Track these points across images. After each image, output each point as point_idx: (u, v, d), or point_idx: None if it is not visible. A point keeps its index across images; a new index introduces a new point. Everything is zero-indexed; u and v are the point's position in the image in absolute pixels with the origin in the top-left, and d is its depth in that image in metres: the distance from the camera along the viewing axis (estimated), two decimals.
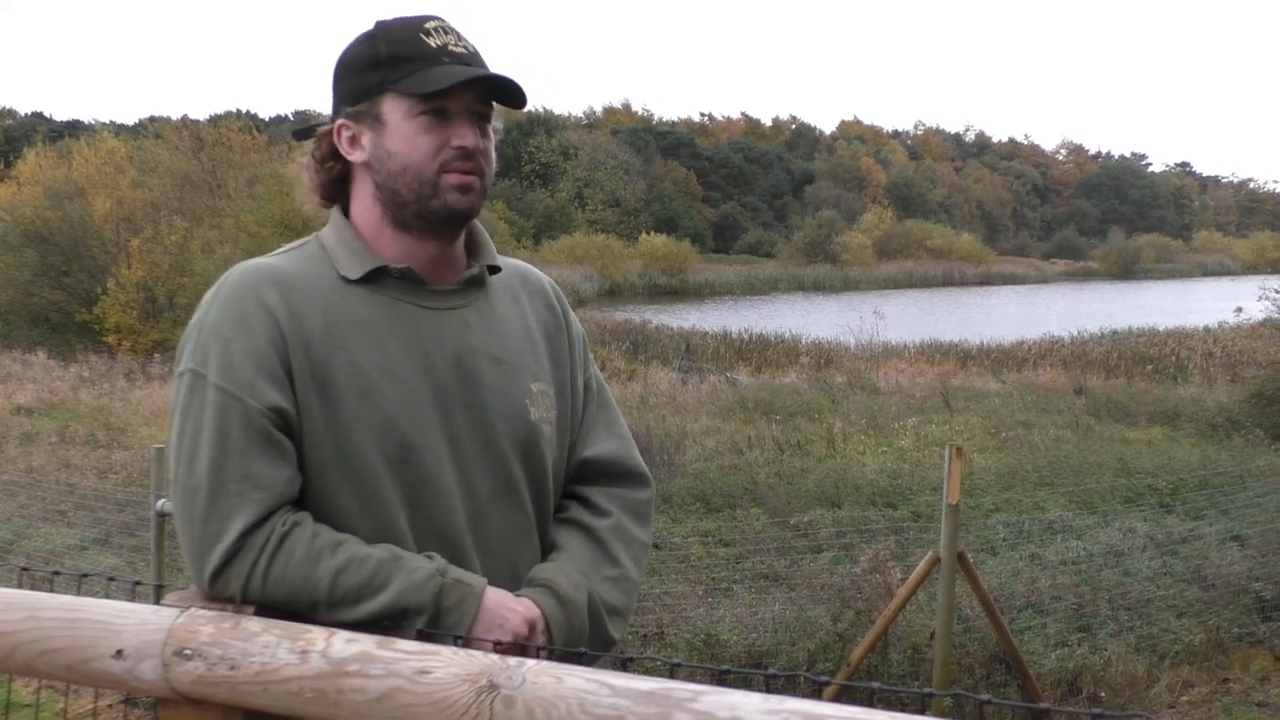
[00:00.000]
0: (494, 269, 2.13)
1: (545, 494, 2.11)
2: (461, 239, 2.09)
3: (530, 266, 2.27)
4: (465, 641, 1.77)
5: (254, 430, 1.83)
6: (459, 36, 2.00)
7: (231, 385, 1.84)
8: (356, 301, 1.96)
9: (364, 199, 2.04)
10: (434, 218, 1.98)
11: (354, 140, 2.01)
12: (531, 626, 1.88)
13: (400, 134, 1.96)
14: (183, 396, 1.89)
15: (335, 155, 2.04)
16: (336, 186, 2.08)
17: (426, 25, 1.98)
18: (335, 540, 1.83)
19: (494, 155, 2.05)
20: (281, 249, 2.08)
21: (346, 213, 2.07)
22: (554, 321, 2.20)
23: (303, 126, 2.11)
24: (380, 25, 2.01)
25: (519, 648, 1.82)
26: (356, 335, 1.92)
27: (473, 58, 1.99)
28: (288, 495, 1.85)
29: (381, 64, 1.96)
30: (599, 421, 2.22)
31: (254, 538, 1.80)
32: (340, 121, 2.02)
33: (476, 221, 2.11)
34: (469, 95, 1.97)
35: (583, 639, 1.98)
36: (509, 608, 1.87)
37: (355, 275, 1.97)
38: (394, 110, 1.96)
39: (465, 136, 1.96)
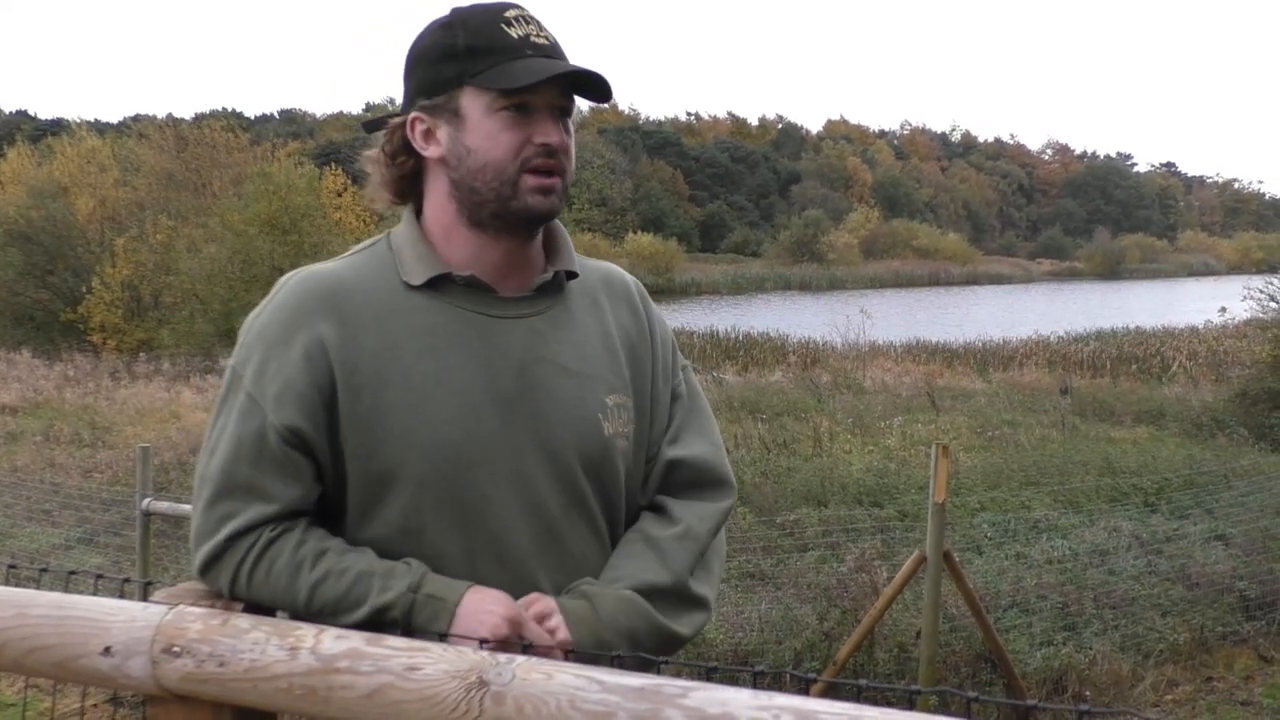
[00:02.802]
0: (572, 274, 2.02)
1: (618, 511, 2.01)
2: (539, 241, 2.00)
3: (615, 267, 2.17)
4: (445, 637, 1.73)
5: (268, 446, 1.81)
6: (540, 26, 1.90)
7: (259, 394, 1.82)
8: (417, 309, 1.88)
9: (438, 196, 1.95)
10: (512, 218, 1.90)
11: (429, 134, 1.92)
12: (517, 621, 1.75)
13: (481, 130, 1.87)
14: (223, 390, 1.89)
15: (408, 149, 1.94)
16: (408, 182, 1.98)
17: (507, 15, 1.88)
18: (317, 550, 1.80)
19: (574, 150, 1.94)
20: (351, 250, 2.01)
21: (420, 210, 1.99)
22: (637, 328, 2.09)
23: (374, 118, 2.00)
24: (457, 13, 1.90)
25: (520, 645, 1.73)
26: (413, 345, 1.86)
27: (554, 49, 1.90)
28: (287, 511, 1.82)
29: (460, 55, 1.86)
30: (690, 426, 2.11)
31: (241, 542, 1.80)
32: (414, 115, 1.92)
33: (557, 222, 2.02)
34: (552, 90, 1.87)
35: (623, 633, 1.85)
36: (486, 609, 1.75)
37: (418, 281, 1.89)
38: (474, 104, 1.87)
39: (549, 134, 1.87)
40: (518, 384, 1.89)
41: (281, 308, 1.87)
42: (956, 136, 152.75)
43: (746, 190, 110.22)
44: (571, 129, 1.93)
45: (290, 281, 1.91)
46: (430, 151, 1.92)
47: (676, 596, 1.95)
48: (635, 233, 75.67)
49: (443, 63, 1.88)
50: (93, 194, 29.02)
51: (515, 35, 1.87)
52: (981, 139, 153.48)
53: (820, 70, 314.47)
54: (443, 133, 1.90)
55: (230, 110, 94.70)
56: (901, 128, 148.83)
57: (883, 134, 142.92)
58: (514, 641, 1.73)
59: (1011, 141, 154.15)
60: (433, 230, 1.96)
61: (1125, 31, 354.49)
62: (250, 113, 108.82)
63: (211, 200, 31.12)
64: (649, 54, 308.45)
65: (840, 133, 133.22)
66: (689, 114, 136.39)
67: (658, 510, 2.04)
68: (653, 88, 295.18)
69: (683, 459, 2.06)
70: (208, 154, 33.82)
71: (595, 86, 1.89)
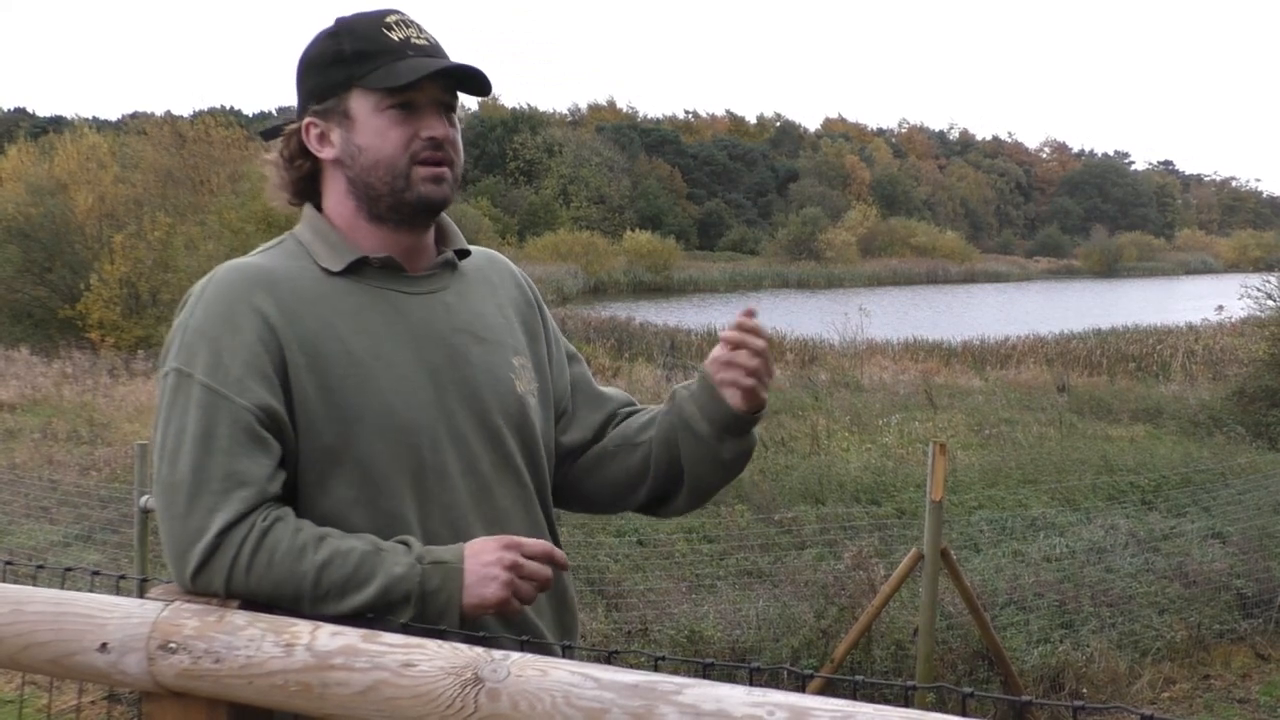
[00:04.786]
0: (463, 253, 2.17)
1: (540, 465, 2.14)
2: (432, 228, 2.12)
3: (494, 251, 2.33)
4: (446, 634, 1.75)
5: (240, 428, 1.83)
6: (420, 29, 2.02)
7: (219, 384, 1.84)
8: (342, 293, 1.97)
9: (336, 194, 2.05)
10: (409, 209, 2.00)
11: (323, 137, 2.02)
12: (514, 544, 1.87)
13: (370, 128, 1.98)
14: (167, 395, 1.89)
15: (304, 153, 2.05)
16: (307, 183, 2.09)
17: (388, 20, 2.00)
18: (318, 535, 1.82)
19: (461, 143, 2.07)
20: (258, 249, 2.09)
21: (319, 209, 2.08)
22: (523, 298, 2.25)
23: (269, 127, 2.11)
24: (341, 21, 2.02)
25: (512, 641, 1.77)
26: (347, 325, 1.94)
27: (434, 49, 2.01)
28: (270, 493, 1.84)
29: (347, 60, 1.97)
30: (597, 383, 2.35)
31: (234, 533, 1.79)
32: (308, 119, 2.02)
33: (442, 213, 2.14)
34: (435, 87, 1.99)
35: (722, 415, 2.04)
36: (486, 559, 1.85)
37: (337, 267, 1.99)
38: (362, 105, 1.98)
39: (434, 127, 1.98)
40: (443, 354, 2.02)
41: (216, 300, 1.92)
42: (954, 135, 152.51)
43: (744, 188, 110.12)
44: (457, 123, 2.05)
45: (215, 276, 1.97)
46: (325, 153, 2.04)
47: None
48: (633, 230, 75.40)
49: (331, 68, 2.00)
50: (91, 191, 28.91)
51: (396, 38, 1.99)
52: (979, 137, 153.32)
53: (818, 68, 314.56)
54: (336, 135, 2.02)
55: (229, 108, 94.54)
56: (899, 126, 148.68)
57: (881, 132, 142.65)
58: (522, 562, 1.86)
59: (1009, 140, 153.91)
60: (337, 225, 2.06)
61: (1123, 30, 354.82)
62: (249, 110, 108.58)
63: (209, 197, 31.11)
64: (647, 52, 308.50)
65: (838, 131, 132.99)
66: (687, 112, 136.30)
67: (624, 419, 2.29)
68: (650, 86, 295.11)
69: (619, 406, 2.32)
70: (205, 151, 33.80)
71: (475, 81, 2.03)
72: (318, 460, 1.90)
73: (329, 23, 2.05)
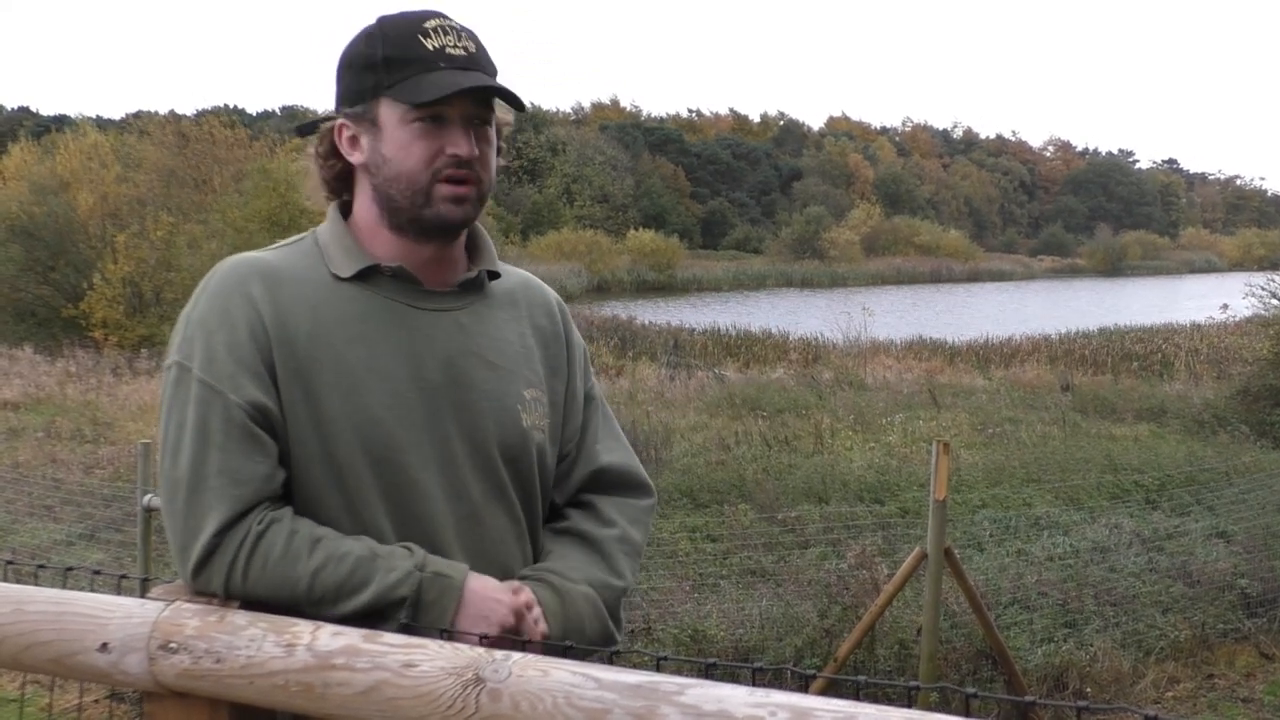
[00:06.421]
0: (494, 275, 2.10)
1: (534, 500, 2.09)
2: (462, 241, 2.07)
3: (537, 279, 2.26)
4: (450, 635, 1.76)
5: (234, 425, 1.82)
6: (459, 35, 1.95)
7: (213, 379, 1.84)
8: (347, 299, 1.94)
9: (363, 199, 2.02)
10: (426, 226, 1.96)
11: (354, 141, 1.99)
12: (519, 615, 1.86)
13: (395, 140, 1.93)
14: (169, 389, 1.89)
15: (337, 153, 2.02)
16: (341, 182, 2.06)
17: (426, 25, 1.93)
18: (313, 537, 1.82)
19: (494, 159, 2.02)
20: (277, 244, 2.06)
21: (351, 207, 2.06)
22: (552, 330, 2.18)
23: (306, 122, 2.08)
24: (381, 22, 1.97)
25: (509, 641, 1.79)
26: (344, 333, 1.91)
27: (471, 60, 1.94)
28: (267, 491, 1.83)
29: (378, 67, 1.92)
30: (606, 432, 2.21)
31: (231, 534, 1.79)
32: (340, 121, 2.00)
33: (479, 225, 2.09)
34: (464, 101, 1.93)
35: (581, 632, 1.95)
36: (494, 598, 1.85)
37: (346, 273, 1.95)
38: (389, 115, 1.93)
39: (460, 145, 1.92)
40: (444, 374, 1.97)
41: (217, 295, 1.91)
42: (958, 133, 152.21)
43: (748, 187, 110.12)
44: (492, 137, 2.00)
45: (221, 269, 1.96)
46: (355, 158, 2.01)
47: (622, 599, 2.09)
48: (637, 229, 75.39)
49: (363, 73, 1.96)
50: (94, 190, 28.92)
51: (431, 47, 1.93)
52: (983, 136, 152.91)
53: (822, 67, 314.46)
54: (365, 140, 1.98)
55: (232, 107, 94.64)
56: (903, 124, 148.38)
57: (884, 130, 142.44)
58: (519, 626, 1.86)
59: (1013, 138, 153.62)
60: (360, 228, 2.03)
61: (1127, 28, 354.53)
62: (252, 109, 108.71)
63: (212, 197, 31.13)
64: (650, 51, 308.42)
65: (842, 129, 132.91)
66: (690, 110, 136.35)
67: (586, 507, 2.15)
68: (654, 84, 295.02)
69: (606, 466, 2.17)
70: (208, 150, 33.84)
71: (506, 96, 1.97)
72: (304, 465, 1.88)
73: (372, 19, 2.01)
